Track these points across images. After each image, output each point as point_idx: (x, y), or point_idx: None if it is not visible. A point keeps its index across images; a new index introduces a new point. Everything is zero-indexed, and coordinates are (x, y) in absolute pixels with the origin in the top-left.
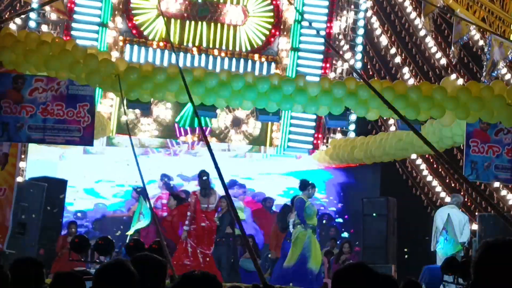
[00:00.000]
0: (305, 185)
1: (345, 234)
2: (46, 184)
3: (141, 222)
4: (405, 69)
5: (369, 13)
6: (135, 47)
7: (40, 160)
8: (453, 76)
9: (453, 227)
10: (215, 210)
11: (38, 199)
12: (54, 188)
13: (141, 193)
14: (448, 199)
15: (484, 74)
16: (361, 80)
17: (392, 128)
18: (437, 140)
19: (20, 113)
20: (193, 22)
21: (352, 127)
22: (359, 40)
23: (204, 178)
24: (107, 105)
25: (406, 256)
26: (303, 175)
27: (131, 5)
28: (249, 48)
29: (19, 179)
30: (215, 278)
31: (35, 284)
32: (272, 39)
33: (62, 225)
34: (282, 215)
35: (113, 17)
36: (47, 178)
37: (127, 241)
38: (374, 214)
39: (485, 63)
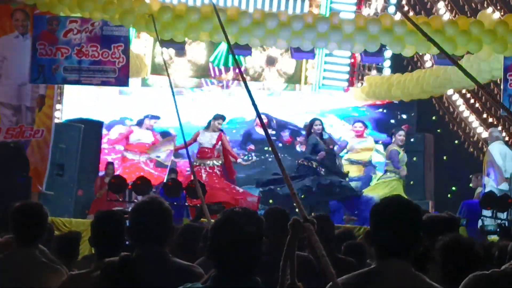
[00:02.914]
0: None
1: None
2: (82, 125)
3: None
4: (441, 4)
5: None
6: None
7: (76, 102)
8: (489, 10)
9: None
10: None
11: (75, 141)
12: (91, 129)
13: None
14: (485, 134)
15: None
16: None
17: (428, 64)
18: (475, 75)
19: (56, 55)
20: None
21: (387, 63)
22: None
23: None
24: (141, 45)
25: (449, 195)
26: (339, 113)
27: None
28: None
29: (56, 120)
30: (256, 214)
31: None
32: None
33: (99, 166)
34: None
35: None
36: (83, 119)
37: (165, 180)
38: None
39: None
